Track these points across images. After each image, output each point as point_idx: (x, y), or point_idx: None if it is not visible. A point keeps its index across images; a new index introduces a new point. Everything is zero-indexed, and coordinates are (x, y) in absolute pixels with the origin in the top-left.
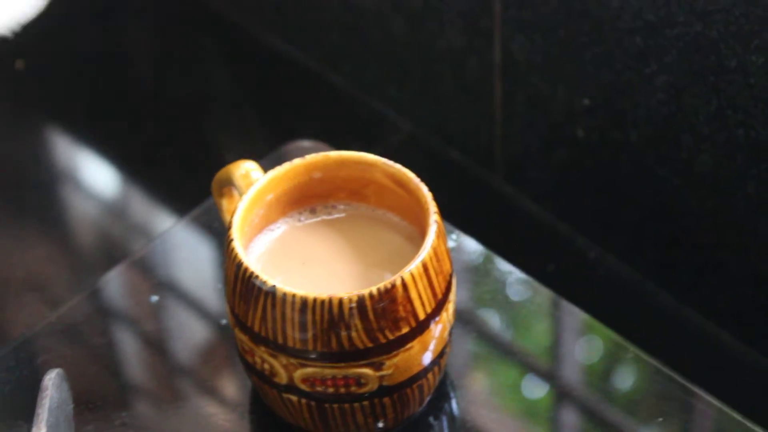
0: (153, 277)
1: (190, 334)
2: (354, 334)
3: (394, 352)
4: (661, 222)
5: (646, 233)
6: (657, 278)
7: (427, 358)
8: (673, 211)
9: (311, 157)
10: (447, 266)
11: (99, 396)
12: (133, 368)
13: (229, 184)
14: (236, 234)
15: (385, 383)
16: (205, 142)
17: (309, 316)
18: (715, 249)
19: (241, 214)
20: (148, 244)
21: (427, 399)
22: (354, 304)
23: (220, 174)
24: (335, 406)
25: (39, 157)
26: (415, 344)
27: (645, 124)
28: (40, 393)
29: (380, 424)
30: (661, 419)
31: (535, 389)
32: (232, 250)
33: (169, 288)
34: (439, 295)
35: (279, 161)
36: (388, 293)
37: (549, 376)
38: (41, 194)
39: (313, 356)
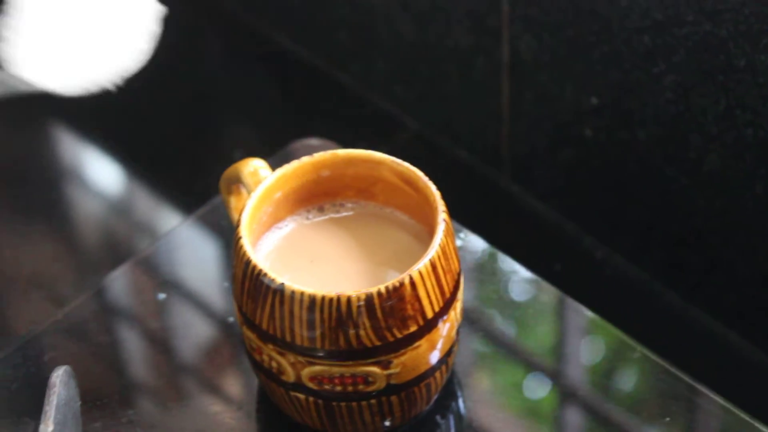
0: (160, 275)
1: (196, 332)
2: (362, 332)
3: (402, 351)
4: (669, 222)
5: (654, 233)
6: (664, 278)
7: (435, 356)
8: (681, 210)
9: (319, 155)
10: (455, 265)
11: (106, 393)
12: (139, 366)
13: (237, 181)
14: (245, 232)
15: (392, 382)
16: (212, 140)
17: (317, 314)
18: (723, 249)
19: (250, 212)
20: (155, 242)
21: (435, 397)
22: (362, 303)
23: (229, 172)
24: (342, 404)
25: (45, 154)
26: (423, 343)
27: (653, 124)
28: (48, 390)
29: (387, 423)
30: (668, 419)
31: (542, 388)
32: (241, 247)
33: (175, 286)
34: (447, 294)
35: (286, 159)
36: (396, 291)
37: (555, 375)
38: (47, 192)
39: (320, 354)
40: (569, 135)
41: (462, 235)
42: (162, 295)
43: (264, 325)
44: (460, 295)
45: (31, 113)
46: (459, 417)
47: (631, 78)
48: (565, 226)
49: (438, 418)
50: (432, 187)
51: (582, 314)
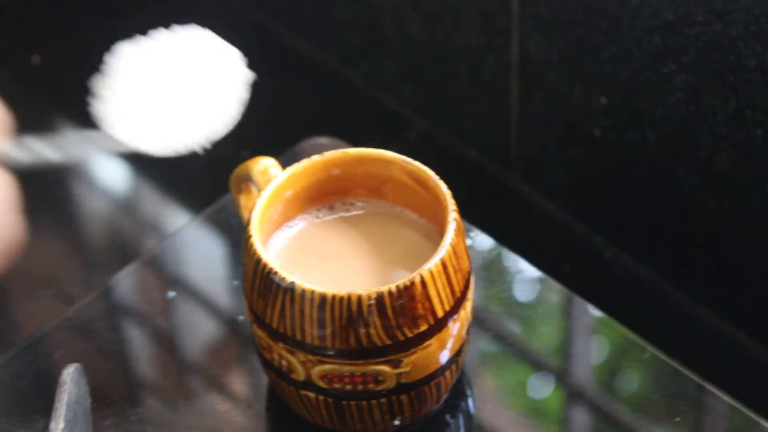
0: (169, 273)
1: (206, 330)
2: (372, 331)
3: (413, 350)
4: (678, 222)
5: (663, 233)
6: (673, 278)
7: (445, 356)
8: (690, 211)
9: (330, 154)
10: (466, 264)
11: (115, 392)
12: (149, 365)
13: (247, 180)
14: (255, 230)
15: (402, 381)
16: (220, 139)
17: (328, 313)
18: (732, 249)
19: (260, 211)
20: (164, 241)
21: (444, 397)
22: (373, 302)
23: (239, 170)
24: (353, 403)
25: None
26: (434, 342)
27: (662, 124)
28: (59, 388)
29: (397, 422)
30: (678, 419)
31: (551, 388)
32: (251, 246)
33: (185, 285)
34: (458, 293)
35: (296, 158)
36: (407, 290)
37: (564, 374)
38: (56, 190)
39: (331, 353)
40: (578, 135)
41: (471, 234)
42: (171, 293)
43: (274, 324)
44: (470, 294)
45: (40, 110)
46: (468, 416)
47: (641, 78)
48: (574, 226)
49: (447, 417)
50: (443, 186)
51: (591, 314)
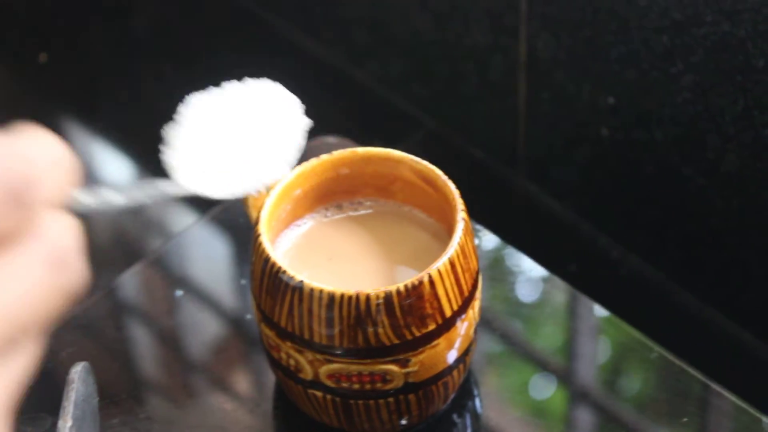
0: (176, 272)
1: (213, 329)
2: (380, 330)
3: (420, 349)
4: (685, 222)
5: (670, 233)
6: (680, 278)
7: (453, 355)
8: (698, 211)
9: (338, 153)
10: (474, 263)
11: (123, 390)
12: (156, 364)
13: None
14: (264, 229)
15: (410, 380)
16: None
17: (336, 312)
18: (739, 249)
19: (269, 210)
20: (171, 240)
21: (452, 396)
22: (381, 301)
23: None
24: (360, 402)
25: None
26: (441, 341)
27: (670, 124)
28: (67, 386)
29: (404, 421)
30: (685, 419)
31: (557, 388)
32: (260, 245)
33: (192, 284)
34: (466, 293)
35: (303, 157)
36: (415, 290)
37: (571, 374)
38: None
39: (339, 352)
40: (586, 134)
41: (477, 233)
42: (179, 292)
43: (282, 323)
44: (478, 294)
45: (48, 108)
46: (475, 416)
47: (649, 78)
48: (580, 226)
49: (455, 417)
50: (451, 186)
51: (597, 313)
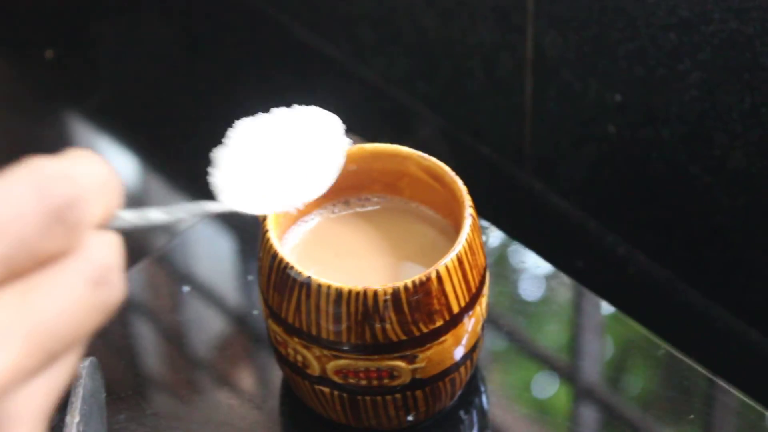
0: (183, 269)
1: (220, 326)
2: (388, 326)
3: (428, 345)
4: (692, 219)
5: (676, 231)
6: (686, 276)
7: (460, 351)
8: (704, 208)
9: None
10: (481, 260)
11: (130, 386)
12: (162, 360)
13: None
14: (271, 225)
15: (417, 376)
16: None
17: (343, 308)
18: (746, 247)
19: None
20: (176, 237)
21: (459, 393)
22: (389, 297)
23: None
24: (367, 398)
25: (66, 146)
26: (449, 338)
27: (677, 121)
28: (74, 382)
29: (411, 417)
30: (692, 416)
31: (564, 385)
32: (268, 240)
33: (199, 281)
34: (473, 289)
35: None
36: (423, 286)
37: (577, 371)
38: None
39: (346, 348)
40: (593, 132)
41: (484, 230)
42: (186, 288)
43: (290, 319)
44: (485, 290)
45: (54, 104)
46: (482, 413)
47: (656, 75)
48: (587, 223)
49: (461, 413)
50: (459, 182)
51: (604, 310)
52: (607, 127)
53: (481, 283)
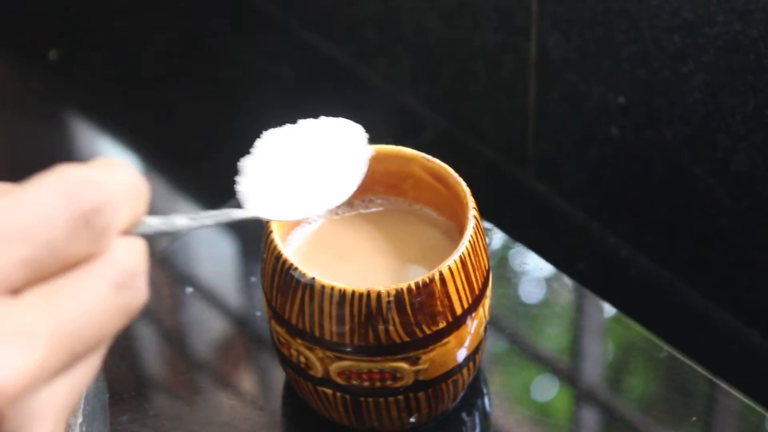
0: (184, 271)
1: (223, 327)
2: (391, 327)
3: (431, 347)
4: (694, 222)
5: (679, 233)
6: (688, 278)
7: (463, 353)
8: (707, 210)
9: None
10: (484, 262)
11: (132, 387)
12: (166, 361)
13: None
14: (275, 226)
15: (420, 378)
16: (237, 135)
17: (347, 309)
18: (748, 249)
19: None
20: (179, 239)
21: (461, 395)
22: (392, 298)
23: None
24: (370, 399)
25: (70, 147)
26: (452, 339)
27: (681, 124)
28: None
29: (413, 419)
30: (694, 418)
31: (566, 386)
32: (271, 242)
33: (201, 282)
34: (477, 291)
35: None
36: (426, 287)
37: (580, 373)
38: None
39: (349, 350)
40: (596, 134)
41: (486, 232)
42: (189, 289)
43: (293, 320)
44: (488, 292)
45: (58, 105)
46: (484, 414)
47: (660, 77)
48: (589, 225)
49: (464, 415)
50: (462, 184)
51: (606, 312)
52: (610, 129)
53: (484, 284)
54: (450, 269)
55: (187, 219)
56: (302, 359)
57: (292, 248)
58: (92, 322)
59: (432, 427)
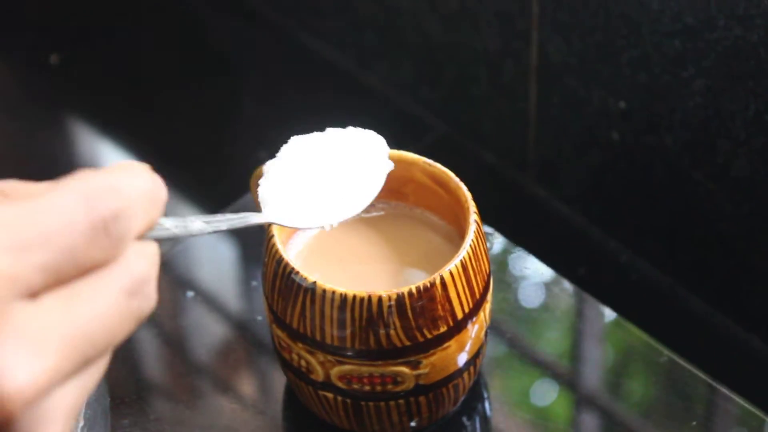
0: (185, 275)
1: (223, 331)
2: (392, 332)
3: (432, 351)
4: (695, 227)
5: (679, 238)
6: (688, 283)
7: (463, 357)
8: (707, 215)
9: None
10: (485, 266)
11: (133, 391)
12: (167, 365)
13: None
14: (276, 230)
15: (421, 382)
16: (238, 140)
17: (348, 314)
18: (748, 254)
19: None
20: (180, 243)
21: (462, 399)
22: (393, 302)
23: (260, 170)
24: (371, 404)
25: (71, 151)
26: (452, 343)
27: (681, 128)
28: None
29: (414, 423)
30: (694, 423)
31: (567, 391)
32: (273, 246)
33: (202, 286)
34: (477, 295)
35: None
36: (427, 292)
37: (580, 378)
38: None
39: (350, 354)
40: (596, 139)
41: (487, 236)
42: (190, 293)
43: (294, 324)
44: (489, 296)
45: (59, 109)
46: (485, 419)
47: (660, 82)
48: (590, 230)
49: (464, 419)
50: (464, 189)
51: (606, 317)
52: (610, 134)
53: (485, 289)
54: (451, 273)
55: (202, 222)
56: (303, 363)
57: (293, 252)
58: (104, 328)
59: (432, 431)
